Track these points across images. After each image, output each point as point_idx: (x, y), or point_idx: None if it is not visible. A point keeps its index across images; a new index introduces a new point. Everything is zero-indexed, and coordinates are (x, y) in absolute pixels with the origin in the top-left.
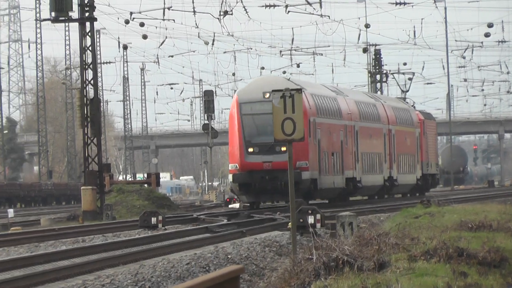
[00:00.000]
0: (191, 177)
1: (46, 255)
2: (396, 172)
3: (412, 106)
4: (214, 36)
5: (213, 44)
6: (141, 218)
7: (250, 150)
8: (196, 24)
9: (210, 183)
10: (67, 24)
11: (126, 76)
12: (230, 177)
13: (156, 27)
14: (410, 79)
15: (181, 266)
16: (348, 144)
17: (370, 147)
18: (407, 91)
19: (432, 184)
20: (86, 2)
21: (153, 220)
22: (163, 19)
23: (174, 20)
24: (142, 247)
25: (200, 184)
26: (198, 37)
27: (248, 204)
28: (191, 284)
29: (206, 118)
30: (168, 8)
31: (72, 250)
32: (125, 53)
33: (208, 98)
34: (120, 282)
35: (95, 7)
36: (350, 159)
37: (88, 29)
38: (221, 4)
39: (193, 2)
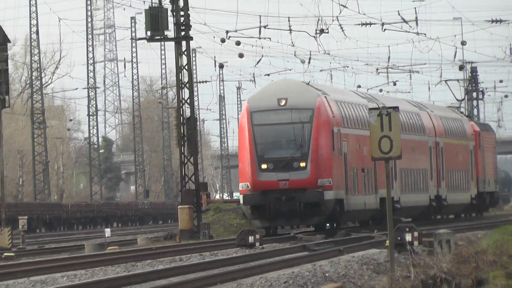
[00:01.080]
0: None
1: (143, 274)
2: (446, 190)
3: (467, 116)
4: (310, 54)
5: (309, 62)
6: (238, 237)
7: (264, 166)
8: (292, 42)
9: None
10: (162, 43)
11: (222, 94)
12: (241, 198)
13: (252, 46)
14: (506, 96)
15: (279, 284)
16: None
17: (411, 162)
18: (462, 99)
19: (491, 203)
20: (182, 21)
21: (251, 238)
22: (259, 38)
23: (270, 38)
24: (239, 265)
25: None
26: (294, 55)
27: (263, 230)
28: None
29: None
30: (264, 27)
31: (169, 270)
32: (221, 71)
33: None
34: None
35: (191, 26)
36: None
37: (184, 48)
38: (317, 22)
39: (289, 21)
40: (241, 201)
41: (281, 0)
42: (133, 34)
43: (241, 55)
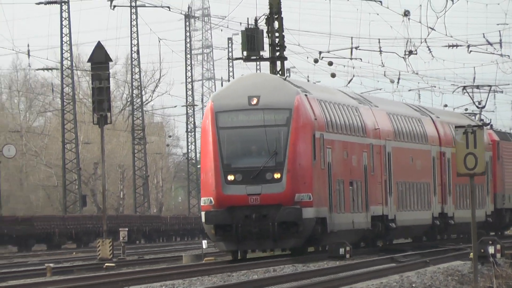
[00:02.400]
0: None
1: (238, 284)
2: (453, 207)
3: (486, 124)
4: (399, 74)
5: (398, 82)
6: (329, 249)
7: (230, 178)
8: (382, 63)
9: None
10: (258, 63)
11: None
12: (203, 216)
13: (344, 66)
14: None
15: None
16: (375, 171)
17: (410, 174)
18: (483, 107)
19: (511, 221)
20: (277, 42)
21: (341, 250)
22: (351, 58)
23: (361, 59)
24: (330, 276)
25: None
26: (384, 75)
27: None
28: None
29: None
30: (356, 48)
31: (263, 280)
32: None
33: None
34: None
35: (285, 46)
36: (379, 190)
37: (278, 68)
38: (406, 44)
39: (379, 42)
40: (203, 219)
41: (372, 22)
42: (230, 54)
43: (333, 75)
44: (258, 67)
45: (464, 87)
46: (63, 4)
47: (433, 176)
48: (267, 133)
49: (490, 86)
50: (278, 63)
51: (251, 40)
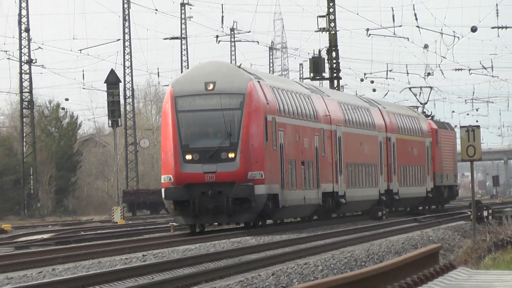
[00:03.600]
0: None
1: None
2: (397, 184)
3: (428, 115)
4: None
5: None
6: (370, 212)
7: (188, 157)
8: (408, 81)
9: None
10: (321, 81)
11: None
12: (163, 192)
13: (382, 84)
14: None
15: (398, 244)
16: (326, 152)
17: (359, 156)
18: (425, 103)
19: (450, 196)
20: (334, 66)
21: (379, 213)
22: (386, 78)
23: (393, 78)
24: (371, 231)
25: None
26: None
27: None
28: (412, 255)
29: None
30: (390, 70)
31: (326, 234)
32: None
33: None
34: (357, 255)
35: (340, 69)
36: (329, 170)
37: (335, 85)
38: (425, 68)
39: (406, 67)
40: (163, 196)
41: (401, 52)
42: (301, 76)
43: (374, 90)
44: (321, 84)
45: (410, 88)
46: (182, 39)
47: (380, 158)
48: (222, 116)
49: (431, 87)
50: (335, 81)
51: (316, 65)
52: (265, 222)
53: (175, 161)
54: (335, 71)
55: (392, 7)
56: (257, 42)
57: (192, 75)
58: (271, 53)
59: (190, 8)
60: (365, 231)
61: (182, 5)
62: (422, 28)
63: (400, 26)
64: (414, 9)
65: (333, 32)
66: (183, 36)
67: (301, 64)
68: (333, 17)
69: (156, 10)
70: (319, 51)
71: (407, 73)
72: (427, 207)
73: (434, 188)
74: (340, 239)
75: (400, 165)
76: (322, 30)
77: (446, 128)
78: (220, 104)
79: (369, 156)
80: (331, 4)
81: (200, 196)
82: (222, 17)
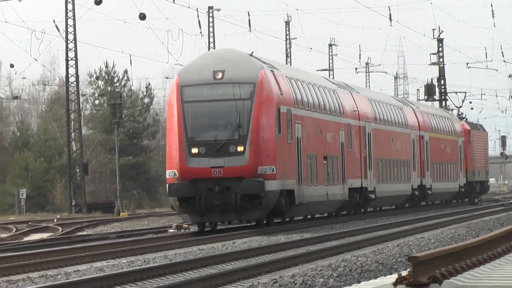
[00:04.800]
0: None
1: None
2: (430, 180)
3: (462, 117)
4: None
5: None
6: (469, 200)
7: (194, 151)
8: (497, 101)
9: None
10: (432, 102)
11: None
12: (167, 188)
13: (477, 104)
14: None
15: (490, 223)
16: (353, 148)
17: (390, 152)
18: (460, 106)
19: (482, 190)
20: (442, 90)
21: (476, 200)
22: (481, 99)
23: (486, 99)
24: (469, 213)
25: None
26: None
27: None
28: (500, 231)
29: None
30: (483, 94)
31: (428, 217)
32: None
33: None
34: (460, 232)
35: (447, 93)
36: (357, 165)
37: (443, 105)
38: (510, 92)
39: (496, 91)
40: (167, 192)
41: (493, 80)
42: (418, 98)
43: (471, 109)
44: (432, 104)
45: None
46: (330, 71)
47: (413, 154)
48: (231, 107)
49: (465, 92)
50: (443, 102)
51: (429, 90)
52: (284, 219)
53: (180, 155)
54: (443, 94)
55: (485, 47)
56: (385, 72)
57: (200, 63)
58: (395, 81)
59: (336, 48)
60: (463, 213)
61: (330, 45)
62: (507, 62)
63: (491, 60)
64: (501, 48)
65: (442, 65)
66: (331, 68)
67: (418, 90)
68: (441, 54)
69: (311, 48)
70: (431, 80)
71: (496, 95)
72: (460, 200)
73: (467, 183)
74: (445, 220)
75: (433, 162)
76: (433, 63)
77: (479, 129)
78: (229, 93)
79: (402, 152)
80: (440, 45)
81: (206, 192)
82: (360, 54)
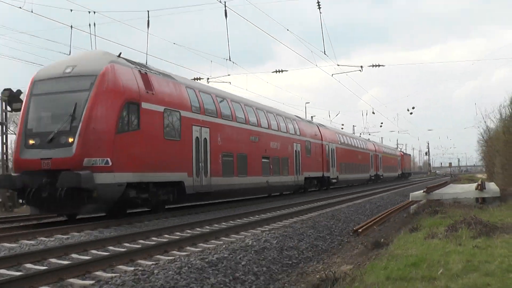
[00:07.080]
0: None
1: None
2: (382, 171)
3: (400, 150)
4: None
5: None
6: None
7: (31, 142)
8: None
9: None
10: None
11: None
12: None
13: None
14: None
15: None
16: (312, 154)
17: (353, 160)
18: (397, 145)
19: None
20: None
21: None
22: None
23: None
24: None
25: None
26: None
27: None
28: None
29: None
30: None
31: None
32: None
33: None
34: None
35: None
36: (317, 164)
37: None
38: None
39: None
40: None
41: None
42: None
43: None
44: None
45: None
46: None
47: (371, 162)
48: (67, 98)
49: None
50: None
51: None
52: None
53: (17, 146)
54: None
55: None
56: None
57: (63, 60)
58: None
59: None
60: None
61: None
62: None
63: None
64: None
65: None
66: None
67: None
68: None
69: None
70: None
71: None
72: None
73: (401, 173)
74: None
75: (384, 166)
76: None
77: (408, 155)
78: (71, 86)
79: (362, 161)
80: None
81: (37, 185)
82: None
